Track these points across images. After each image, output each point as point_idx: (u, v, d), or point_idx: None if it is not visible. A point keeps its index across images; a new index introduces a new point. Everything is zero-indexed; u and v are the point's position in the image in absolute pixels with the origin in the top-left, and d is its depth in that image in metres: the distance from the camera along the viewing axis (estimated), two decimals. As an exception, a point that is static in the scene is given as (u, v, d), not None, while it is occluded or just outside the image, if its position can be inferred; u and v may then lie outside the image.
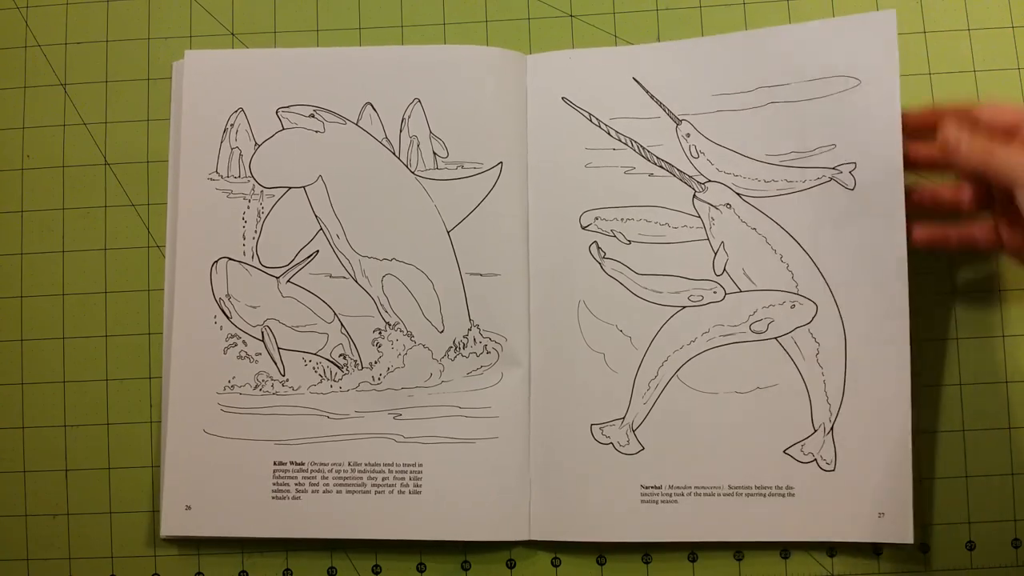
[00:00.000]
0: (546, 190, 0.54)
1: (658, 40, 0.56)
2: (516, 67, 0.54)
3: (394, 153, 0.54)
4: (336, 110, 0.54)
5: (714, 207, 0.52)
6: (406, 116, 0.54)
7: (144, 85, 0.56)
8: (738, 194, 0.52)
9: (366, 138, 0.54)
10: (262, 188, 0.54)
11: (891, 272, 0.50)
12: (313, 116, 0.54)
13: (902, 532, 0.49)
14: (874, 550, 0.52)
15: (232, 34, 0.57)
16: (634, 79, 0.53)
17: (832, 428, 0.50)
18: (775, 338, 0.51)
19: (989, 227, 0.49)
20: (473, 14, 0.57)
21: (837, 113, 0.51)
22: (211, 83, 0.55)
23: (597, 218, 0.53)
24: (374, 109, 0.54)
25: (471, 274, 0.53)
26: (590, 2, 0.56)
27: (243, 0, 0.57)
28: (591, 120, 0.53)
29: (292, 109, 0.54)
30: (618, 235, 0.53)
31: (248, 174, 0.54)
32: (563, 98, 0.54)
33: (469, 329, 0.53)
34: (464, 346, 0.53)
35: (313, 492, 0.52)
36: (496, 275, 0.53)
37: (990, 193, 0.48)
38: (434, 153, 0.54)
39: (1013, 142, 0.46)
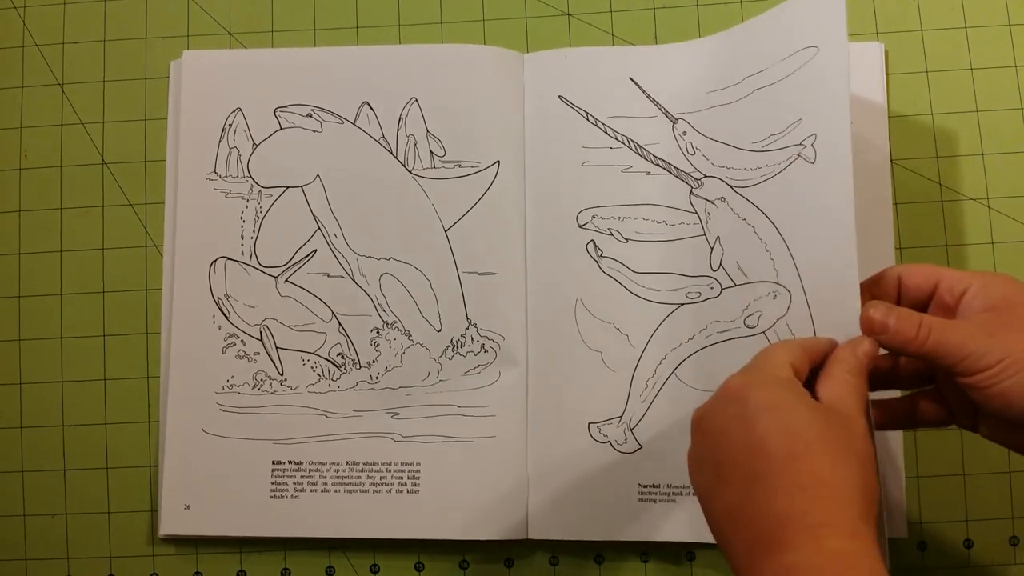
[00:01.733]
0: (543, 189, 0.54)
1: (655, 38, 0.56)
2: (513, 66, 0.54)
3: (391, 152, 0.54)
4: (334, 109, 0.54)
5: (709, 202, 0.52)
6: (403, 115, 0.54)
7: (141, 85, 0.56)
8: (731, 187, 0.51)
9: (363, 137, 0.54)
10: (260, 188, 0.54)
11: (842, 251, 0.44)
12: (311, 116, 0.54)
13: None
14: (872, 548, 0.52)
15: (229, 33, 0.57)
16: (631, 79, 0.53)
17: None
18: (763, 332, 0.49)
19: (936, 400, 0.43)
20: (470, 13, 0.57)
21: (802, 85, 0.48)
22: (209, 83, 0.55)
23: (594, 216, 0.53)
24: (371, 108, 0.54)
25: (468, 273, 0.53)
26: (587, 1, 0.56)
27: (240, 0, 0.57)
28: (588, 119, 0.53)
29: (290, 109, 0.54)
30: (615, 233, 0.53)
31: (246, 174, 0.54)
32: (560, 96, 0.54)
33: (467, 328, 0.53)
34: (462, 345, 0.53)
35: (311, 491, 0.52)
36: (493, 274, 0.53)
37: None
38: (431, 152, 0.54)
39: (932, 307, 0.42)
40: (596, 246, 0.53)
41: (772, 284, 0.49)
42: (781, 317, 0.48)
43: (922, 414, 0.43)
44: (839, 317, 0.43)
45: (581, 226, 0.53)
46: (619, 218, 0.53)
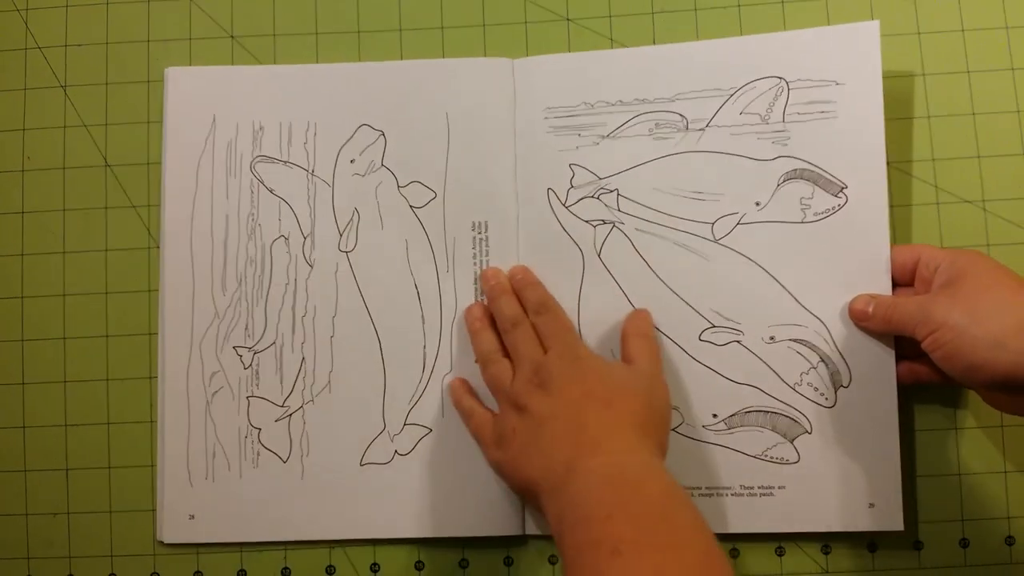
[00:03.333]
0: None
1: (653, 43, 0.56)
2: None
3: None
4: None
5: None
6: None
7: (144, 87, 0.57)
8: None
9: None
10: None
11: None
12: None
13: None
14: (868, 547, 0.52)
15: (231, 36, 0.57)
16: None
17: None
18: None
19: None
20: (470, 18, 0.57)
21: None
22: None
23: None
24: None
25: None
26: (586, 5, 0.57)
27: (242, 2, 0.58)
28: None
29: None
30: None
31: None
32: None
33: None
34: (461, 346, 0.53)
35: (312, 491, 0.53)
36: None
37: None
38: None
39: (916, 280, 0.48)
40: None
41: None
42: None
43: (917, 372, 0.49)
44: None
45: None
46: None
